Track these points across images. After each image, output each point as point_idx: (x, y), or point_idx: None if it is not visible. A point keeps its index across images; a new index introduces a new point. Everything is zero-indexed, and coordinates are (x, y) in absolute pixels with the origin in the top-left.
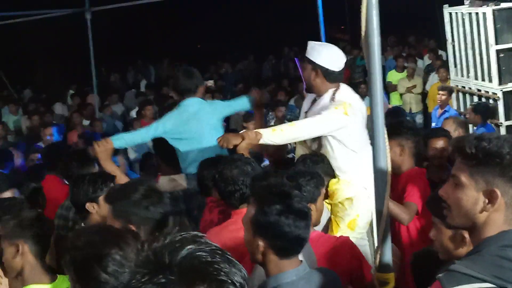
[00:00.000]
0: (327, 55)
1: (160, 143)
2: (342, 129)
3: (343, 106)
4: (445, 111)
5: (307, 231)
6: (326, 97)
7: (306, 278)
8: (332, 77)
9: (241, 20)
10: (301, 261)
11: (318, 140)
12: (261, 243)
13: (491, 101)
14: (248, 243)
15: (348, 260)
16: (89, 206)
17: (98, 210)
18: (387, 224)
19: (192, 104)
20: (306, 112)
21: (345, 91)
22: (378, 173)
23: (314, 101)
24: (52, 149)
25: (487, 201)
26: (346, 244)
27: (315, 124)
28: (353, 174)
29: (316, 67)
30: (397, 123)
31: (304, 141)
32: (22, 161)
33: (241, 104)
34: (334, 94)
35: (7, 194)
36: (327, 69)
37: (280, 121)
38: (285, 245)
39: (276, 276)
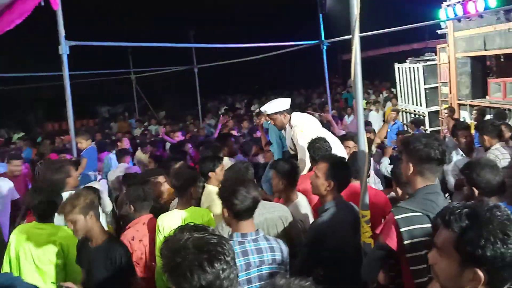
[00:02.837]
0: (280, 103)
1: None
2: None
3: (299, 128)
4: (395, 123)
5: None
6: (288, 127)
7: None
8: (288, 111)
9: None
10: None
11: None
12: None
13: (421, 117)
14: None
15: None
16: (211, 174)
17: (215, 175)
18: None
19: None
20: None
21: (294, 118)
22: (361, 158)
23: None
24: (176, 146)
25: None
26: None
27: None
28: None
29: (282, 112)
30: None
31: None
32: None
33: None
34: (290, 121)
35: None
36: (285, 109)
37: None
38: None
39: None
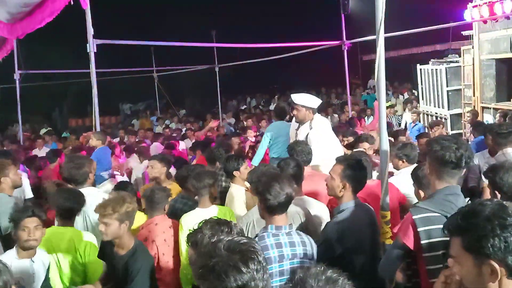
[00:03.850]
0: (311, 100)
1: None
2: None
3: (318, 134)
4: (416, 124)
5: None
6: (306, 125)
7: None
8: (314, 111)
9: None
10: None
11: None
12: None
13: (443, 119)
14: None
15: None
16: (236, 173)
17: (240, 175)
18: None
19: None
20: (296, 129)
21: (317, 120)
22: (383, 158)
23: (298, 126)
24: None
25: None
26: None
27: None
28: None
29: (309, 109)
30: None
31: None
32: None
33: None
34: (311, 122)
35: None
36: (313, 108)
37: None
38: None
39: None
